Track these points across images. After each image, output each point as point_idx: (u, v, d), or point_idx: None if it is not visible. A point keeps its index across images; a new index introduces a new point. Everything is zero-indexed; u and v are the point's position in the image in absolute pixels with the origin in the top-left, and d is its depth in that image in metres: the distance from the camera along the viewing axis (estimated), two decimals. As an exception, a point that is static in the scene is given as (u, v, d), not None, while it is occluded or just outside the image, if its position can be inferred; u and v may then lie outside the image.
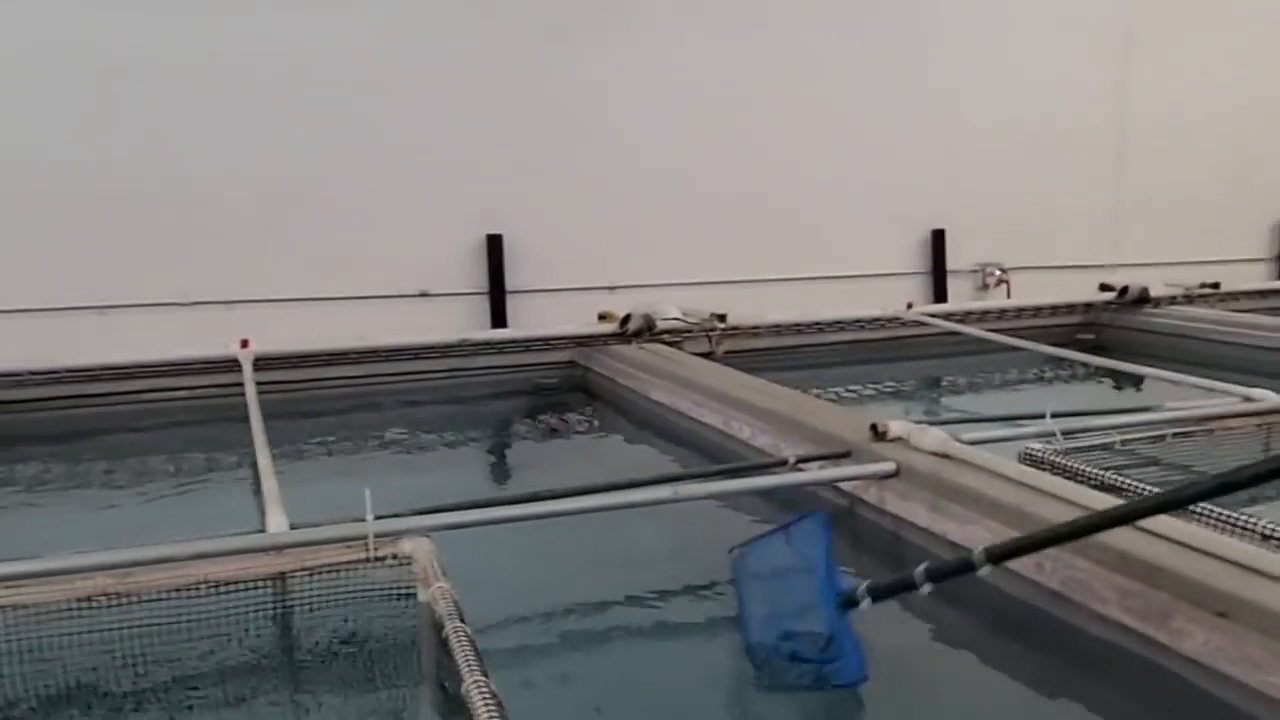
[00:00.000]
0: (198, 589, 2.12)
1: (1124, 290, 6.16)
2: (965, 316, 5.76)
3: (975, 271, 7.24)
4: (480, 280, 6.02)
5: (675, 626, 2.35)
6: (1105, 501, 2.24)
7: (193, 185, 5.37)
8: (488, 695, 1.58)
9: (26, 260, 5.07)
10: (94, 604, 2.06)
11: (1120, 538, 2.03)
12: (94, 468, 3.75)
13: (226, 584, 2.14)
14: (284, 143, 5.53)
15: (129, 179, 5.25)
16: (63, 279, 5.08)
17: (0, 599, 2.01)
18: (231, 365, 4.32)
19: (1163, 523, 2.07)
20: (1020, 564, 2.24)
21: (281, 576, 2.19)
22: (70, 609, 2.04)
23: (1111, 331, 6.09)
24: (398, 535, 2.26)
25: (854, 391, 4.99)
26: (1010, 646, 2.22)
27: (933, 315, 5.64)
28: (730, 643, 2.23)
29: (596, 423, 4.50)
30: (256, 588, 2.16)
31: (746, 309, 5.38)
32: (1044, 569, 2.17)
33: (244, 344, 4.37)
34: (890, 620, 2.17)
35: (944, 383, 5.45)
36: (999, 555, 1.88)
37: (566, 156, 6.10)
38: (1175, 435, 3.17)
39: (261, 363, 4.35)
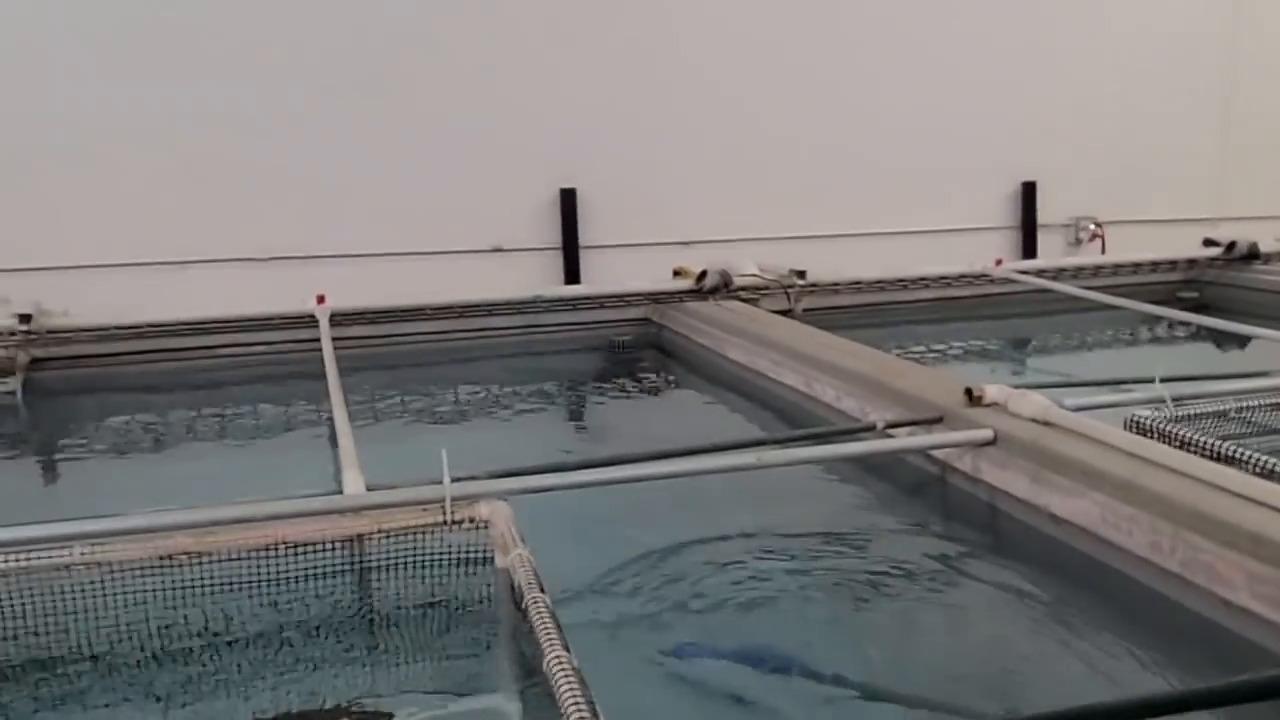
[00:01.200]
0: (275, 550, 2.10)
1: (1231, 245, 5.80)
2: (1058, 273, 5.49)
3: (1068, 226, 6.91)
4: (554, 235, 5.95)
5: (755, 599, 2.26)
6: (1222, 475, 2.07)
7: (271, 142, 5.38)
8: (569, 671, 1.51)
9: (110, 216, 5.15)
10: (174, 562, 2.05)
11: (1252, 515, 1.87)
12: (175, 422, 3.79)
13: (303, 545, 2.11)
14: (358, 98, 5.50)
15: (208, 136, 5.28)
16: (144, 235, 5.15)
17: (85, 556, 2.01)
18: (308, 321, 4.33)
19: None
20: (1134, 539, 2.10)
21: (357, 539, 2.16)
22: (150, 567, 2.03)
23: (1216, 290, 5.75)
24: (474, 499, 2.20)
25: (940, 352, 4.80)
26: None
27: (1023, 272, 5.39)
28: (810, 613, 2.13)
29: (672, 382, 4.40)
30: (332, 549, 2.13)
31: (827, 265, 5.20)
32: (1162, 548, 2.01)
33: (320, 299, 4.37)
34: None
35: (1038, 344, 5.22)
36: None
37: (642, 108, 5.96)
38: (1298, 403, 2.94)
39: (338, 318, 4.35)
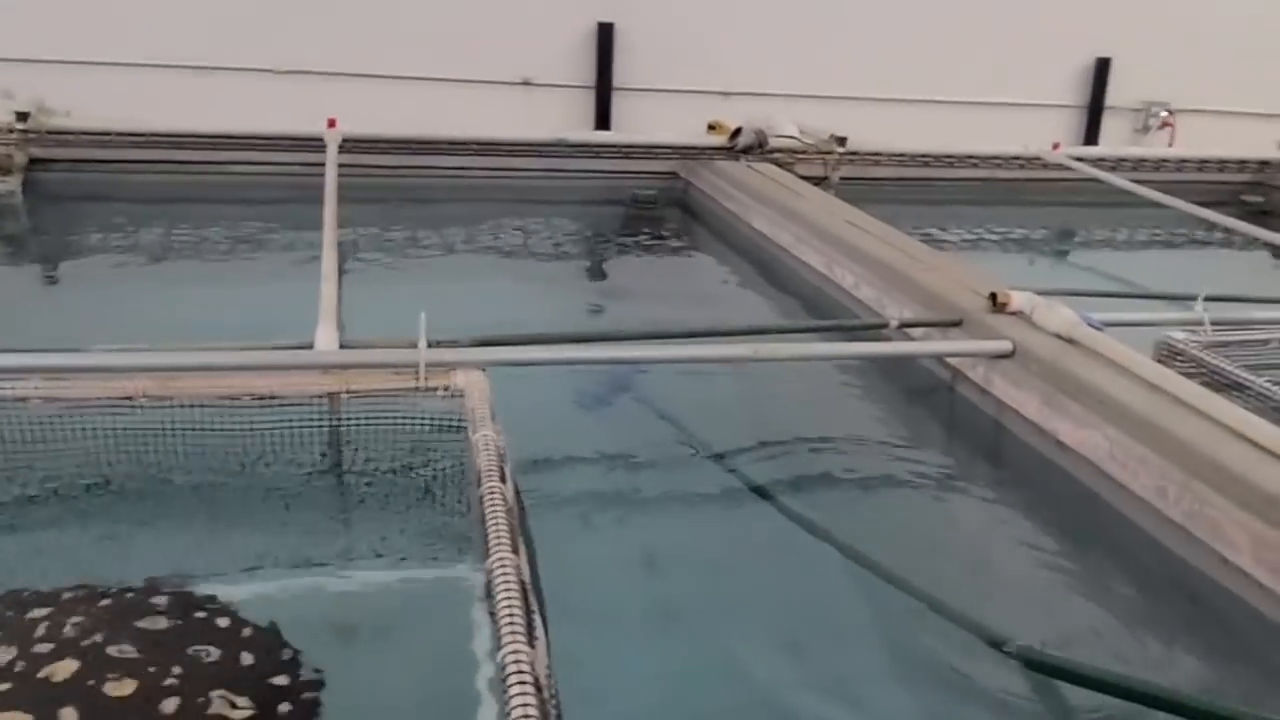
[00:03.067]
0: (238, 400, 2.02)
1: (1309, 150, 5.39)
2: (1118, 164, 5.14)
3: (1138, 111, 6.44)
4: (588, 73, 5.61)
5: (730, 492, 2.17)
6: (1248, 423, 1.91)
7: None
8: (510, 577, 1.43)
9: (124, 11, 4.89)
10: (134, 403, 1.98)
11: (1273, 474, 1.73)
12: (167, 241, 3.68)
13: (269, 398, 2.02)
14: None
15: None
16: (159, 36, 4.89)
17: (42, 391, 1.95)
18: (319, 144, 4.13)
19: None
20: (1140, 481, 1.97)
21: (327, 396, 2.07)
22: (109, 406, 1.96)
23: (1284, 196, 5.39)
24: (451, 366, 2.10)
25: (977, 239, 4.56)
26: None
27: (1081, 159, 5.05)
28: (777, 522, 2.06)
29: (692, 246, 4.22)
30: (299, 404, 2.05)
31: (874, 131, 4.88)
32: (1167, 495, 1.89)
33: (331, 123, 4.17)
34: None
35: (1083, 240, 4.95)
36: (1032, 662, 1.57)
37: (693, -62, 5.50)
38: (1346, 337, 2.74)
39: (348, 144, 4.15)
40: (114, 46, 4.84)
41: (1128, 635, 1.75)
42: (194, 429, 2.01)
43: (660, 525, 2.13)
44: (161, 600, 1.61)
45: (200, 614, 1.59)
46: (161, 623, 1.54)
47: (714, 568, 1.98)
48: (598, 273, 3.99)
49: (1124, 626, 1.77)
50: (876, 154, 4.88)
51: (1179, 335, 2.56)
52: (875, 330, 2.61)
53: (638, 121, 5.54)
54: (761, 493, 2.14)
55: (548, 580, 1.75)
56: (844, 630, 1.77)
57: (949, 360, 2.54)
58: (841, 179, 4.63)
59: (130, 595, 1.61)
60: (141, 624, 1.52)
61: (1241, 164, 5.48)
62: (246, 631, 1.57)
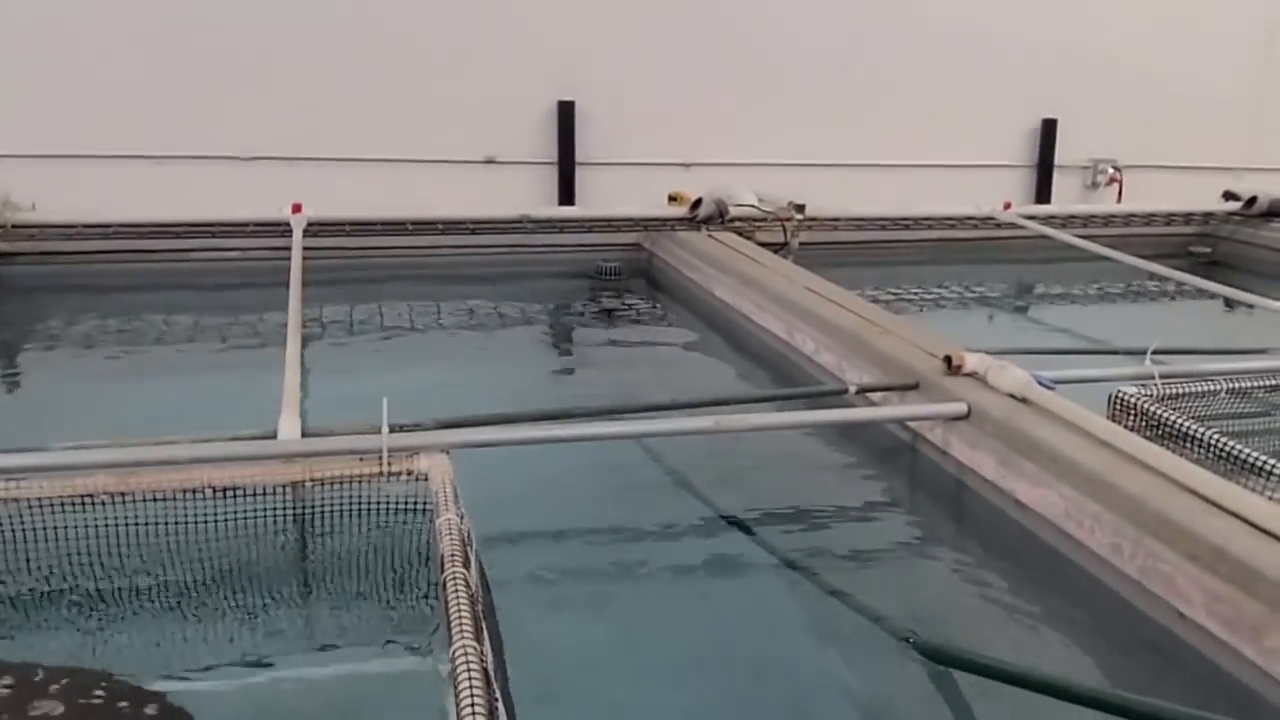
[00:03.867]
0: (201, 493, 2.02)
1: (1251, 200, 5.57)
2: (1067, 220, 5.29)
3: (1086, 168, 6.65)
4: (550, 149, 5.74)
5: (697, 565, 2.18)
6: (1195, 476, 1.96)
7: (258, 35, 5.15)
8: (474, 664, 1.43)
9: (88, 106, 4.96)
10: (94, 500, 1.97)
11: (1218, 526, 1.77)
12: (132, 332, 3.68)
13: (230, 489, 2.02)
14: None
15: (192, 24, 5.05)
16: (120, 126, 4.96)
17: (1, 492, 1.94)
18: (284, 229, 4.18)
19: (1265, 511, 1.80)
20: (1096, 538, 2.01)
21: (291, 485, 2.08)
22: (68, 503, 1.95)
23: (1230, 246, 5.55)
24: (415, 450, 2.11)
25: (935, 299, 4.65)
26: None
27: (1031, 218, 5.19)
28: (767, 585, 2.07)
29: (656, 316, 4.27)
30: (261, 495, 2.05)
31: (831, 196, 5.00)
32: (1122, 551, 1.92)
33: (296, 208, 4.21)
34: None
35: (1036, 297, 5.06)
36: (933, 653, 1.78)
37: (647, 20, 5.69)
38: (1292, 386, 2.81)
39: (314, 228, 4.20)
40: (78, 139, 4.90)
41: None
42: (154, 523, 2.00)
43: (632, 601, 2.13)
44: (124, 704, 1.60)
45: (151, 709, 1.57)
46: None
47: (687, 640, 1.99)
48: (564, 347, 4.04)
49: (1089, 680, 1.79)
50: (835, 219, 4.99)
51: (1130, 390, 2.61)
52: (835, 396, 2.66)
53: (602, 194, 5.65)
54: (733, 560, 2.16)
55: (518, 663, 1.75)
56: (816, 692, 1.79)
57: (908, 423, 2.58)
58: (801, 245, 4.72)
59: (86, 697, 1.59)
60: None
61: (1188, 216, 5.65)
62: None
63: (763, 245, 4.50)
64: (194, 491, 2.01)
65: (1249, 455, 2.20)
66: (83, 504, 1.96)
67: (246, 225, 4.24)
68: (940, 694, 1.74)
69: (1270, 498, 2.00)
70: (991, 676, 1.66)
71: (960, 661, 1.73)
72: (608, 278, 4.59)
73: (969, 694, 1.72)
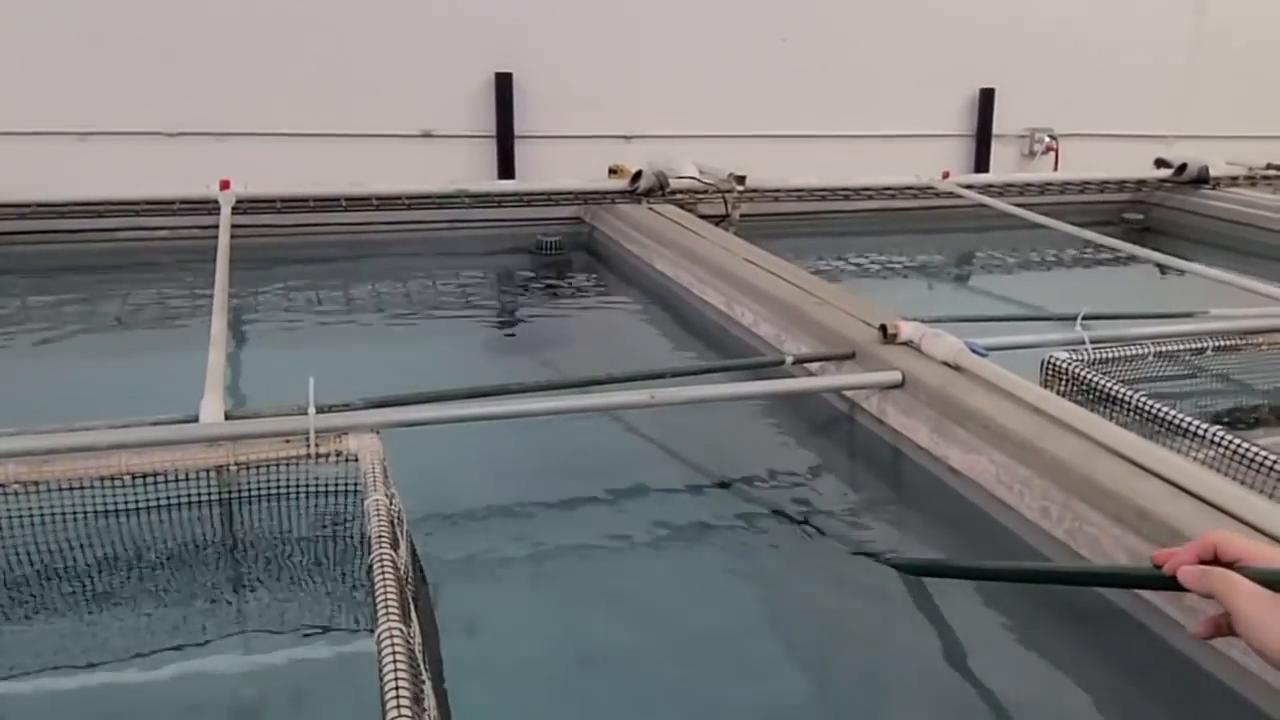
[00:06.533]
0: (120, 480, 1.95)
1: (1181, 168, 5.68)
2: (1005, 189, 5.35)
3: (1023, 137, 6.73)
4: (488, 123, 5.65)
5: (636, 537, 2.18)
6: (1122, 440, 1.99)
7: (184, 7, 4.98)
8: (399, 646, 1.41)
9: (0, 78, 4.76)
10: (5, 490, 1.90)
11: (1142, 488, 1.80)
12: (50, 316, 3.55)
13: (151, 475, 1.96)
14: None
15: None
16: (39, 101, 4.77)
17: (-96, 483, 1.86)
18: (212, 206, 4.06)
19: (1188, 472, 1.83)
20: (1025, 503, 2.04)
21: (215, 470, 2.02)
22: (-20, 495, 1.88)
23: (1162, 212, 5.66)
24: (344, 431, 2.07)
25: (875, 268, 4.68)
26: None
27: (969, 186, 5.23)
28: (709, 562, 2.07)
29: (598, 290, 4.24)
30: (184, 480, 1.99)
31: (773, 166, 4.99)
32: (1050, 514, 1.95)
33: (224, 185, 4.09)
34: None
35: (973, 265, 5.12)
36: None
37: (585, -11, 5.60)
38: (1216, 349, 2.88)
39: (243, 205, 4.09)
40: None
41: (1020, 649, 1.80)
42: (71, 514, 1.93)
43: (574, 575, 2.12)
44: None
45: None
46: None
47: (627, 613, 1.98)
48: (502, 323, 3.99)
49: (1018, 642, 1.82)
50: (775, 190, 4.98)
51: (1061, 355, 2.65)
52: (773, 367, 2.66)
53: (542, 167, 5.58)
54: (671, 531, 2.16)
55: (453, 645, 1.73)
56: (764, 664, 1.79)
57: (845, 393, 2.59)
58: (743, 216, 4.71)
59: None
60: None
61: (1121, 184, 5.74)
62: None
63: (704, 218, 4.48)
64: (112, 479, 1.95)
65: (1175, 416, 2.24)
66: (-7, 494, 1.89)
67: (173, 203, 4.11)
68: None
69: (1194, 458, 2.05)
70: (959, 576, 1.94)
71: (930, 569, 1.99)
72: (548, 252, 4.54)
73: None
